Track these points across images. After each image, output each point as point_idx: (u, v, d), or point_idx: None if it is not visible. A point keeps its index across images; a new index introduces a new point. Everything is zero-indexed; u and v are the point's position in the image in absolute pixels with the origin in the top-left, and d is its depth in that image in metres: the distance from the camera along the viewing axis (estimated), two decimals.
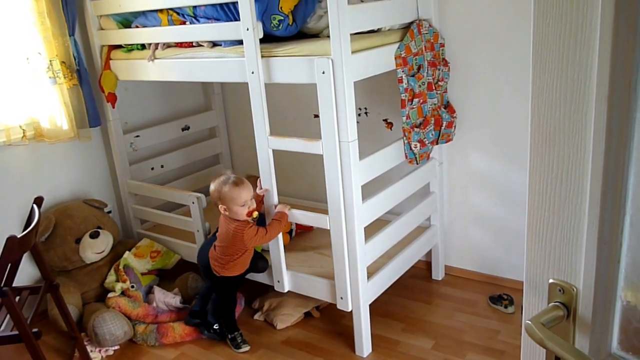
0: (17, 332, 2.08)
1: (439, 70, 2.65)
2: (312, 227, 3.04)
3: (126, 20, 2.89)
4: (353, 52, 2.14)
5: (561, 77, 0.70)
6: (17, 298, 2.25)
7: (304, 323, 2.80)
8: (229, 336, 2.66)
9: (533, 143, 0.75)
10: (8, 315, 2.13)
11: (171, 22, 2.63)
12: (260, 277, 2.75)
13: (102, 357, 2.66)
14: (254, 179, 2.60)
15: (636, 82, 0.67)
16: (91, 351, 2.65)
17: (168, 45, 2.71)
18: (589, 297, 0.74)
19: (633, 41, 0.65)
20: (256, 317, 2.87)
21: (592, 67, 0.67)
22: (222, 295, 2.67)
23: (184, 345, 2.72)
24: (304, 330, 2.75)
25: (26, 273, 2.90)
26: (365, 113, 3.13)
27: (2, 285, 2.09)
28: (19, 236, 2.06)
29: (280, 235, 2.53)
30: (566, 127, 0.71)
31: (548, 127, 0.73)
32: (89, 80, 3.02)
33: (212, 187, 2.47)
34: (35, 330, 2.12)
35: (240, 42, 2.34)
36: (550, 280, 0.77)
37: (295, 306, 2.81)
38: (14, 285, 2.34)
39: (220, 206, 2.44)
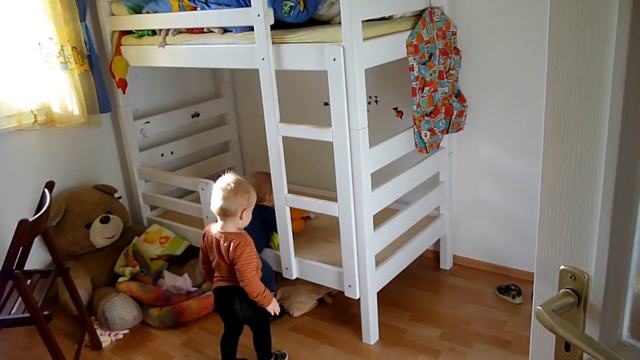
0: (28, 315, 2.11)
1: (450, 58, 2.64)
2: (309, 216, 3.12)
3: (137, 6, 2.89)
4: (364, 39, 2.13)
5: (577, 63, 0.69)
6: (29, 281, 2.27)
7: (312, 310, 2.81)
8: None
9: (547, 130, 0.74)
10: (19, 298, 2.16)
11: (182, 8, 2.63)
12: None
13: (111, 340, 2.69)
14: (267, 176, 2.60)
15: None
16: (101, 335, 2.68)
17: (179, 31, 2.71)
18: (600, 284, 0.74)
19: None
20: None
21: (609, 53, 0.66)
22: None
23: (192, 329, 2.74)
24: (311, 317, 2.76)
25: (37, 257, 2.93)
26: (376, 101, 3.12)
27: (13, 268, 2.12)
28: (30, 220, 2.08)
29: (289, 222, 2.53)
30: (581, 113, 0.70)
31: (563, 114, 0.72)
32: (100, 66, 3.03)
33: (243, 193, 2.17)
34: (46, 313, 2.14)
35: (251, 29, 2.33)
36: (562, 267, 0.77)
37: (310, 293, 2.83)
38: (25, 268, 2.37)
39: (244, 212, 2.18)
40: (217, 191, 2.17)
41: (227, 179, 2.19)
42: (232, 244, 2.15)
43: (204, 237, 2.28)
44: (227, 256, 2.17)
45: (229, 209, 2.14)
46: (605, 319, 0.75)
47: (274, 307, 2.22)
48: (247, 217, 2.20)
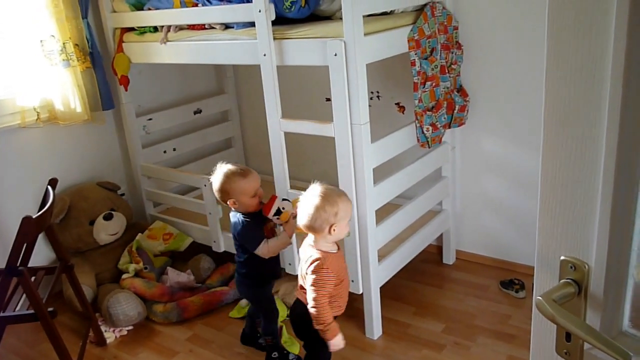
0: (33, 311, 2.12)
1: (452, 53, 2.63)
2: None
3: (139, 3, 2.89)
4: (366, 34, 2.13)
5: (576, 52, 0.69)
6: (33, 278, 2.28)
7: None
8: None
9: (547, 120, 0.74)
10: (24, 295, 2.17)
11: (183, 4, 2.63)
12: None
13: (116, 336, 2.71)
14: (234, 174, 2.24)
15: None
16: (105, 331, 2.70)
17: (180, 28, 2.71)
18: (601, 274, 0.74)
19: None
20: None
21: (608, 42, 0.66)
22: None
23: (197, 325, 2.75)
24: None
25: (42, 254, 2.94)
26: (378, 97, 3.11)
27: (18, 265, 2.13)
28: (34, 217, 2.09)
29: None
30: (581, 103, 0.70)
31: (562, 104, 0.72)
32: (102, 63, 3.04)
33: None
34: (50, 309, 2.15)
35: (253, 24, 2.33)
36: (562, 257, 0.77)
37: None
38: (29, 265, 2.38)
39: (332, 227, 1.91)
40: (303, 205, 1.95)
41: (314, 191, 1.93)
42: (310, 259, 1.95)
43: None
44: (306, 269, 1.99)
45: (313, 226, 1.91)
46: (606, 308, 0.75)
47: (336, 343, 1.97)
48: (340, 231, 1.93)
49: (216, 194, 2.25)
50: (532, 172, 2.75)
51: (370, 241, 2.35)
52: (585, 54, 0.68)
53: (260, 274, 2.31)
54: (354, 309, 2.73)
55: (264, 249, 2.19)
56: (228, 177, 2.19)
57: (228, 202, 2.21)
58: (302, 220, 1.94)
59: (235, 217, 2.24)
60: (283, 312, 2.62)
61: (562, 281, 0.77)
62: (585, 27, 0.67)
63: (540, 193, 0.78)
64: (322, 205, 1.88)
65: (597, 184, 0.72)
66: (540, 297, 0.73)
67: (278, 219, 2.19)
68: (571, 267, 0.76)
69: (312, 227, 1.91)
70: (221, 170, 2.23)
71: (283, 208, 2.18)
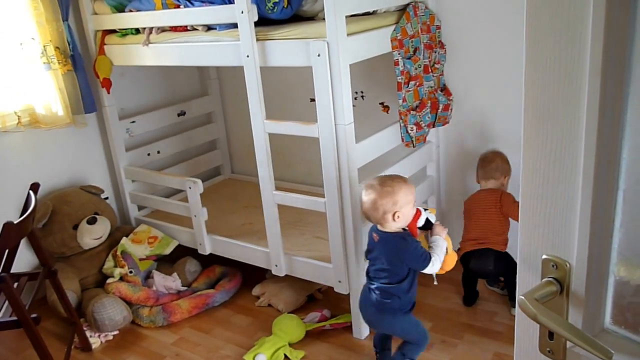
0: (16, 318, 2.09)
1: (435, 52, 2.64)
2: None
3: (120, 5, 2.87)
4: (349, 34, 2.14)
5: (554, 52, 0.69)
6: (16, 284, 2.25)
7: (302, 306, 2.80)
8: None
9: (526, 119, 0.74)
10: (7, 302, 2.14)
11: (165, 6, 2.61)
12: (258, 261, 2.76)
13: (101, 342, 2.68)
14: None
15: (630, 56, 0.66)
16: (90, 336, 2.67)
17: (162, 30, 2.70)
18: (582, 272, 0.74)
19: (626, 15, 0.64)
20: (258, 303, 2.89)
21: (586, 41, 0.67)
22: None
23: (183, 329, 2.74)
24: (301, 313, 2.76)
25: (25, 260, 2.90)
26: (362, 97, 3.12)
27: (0, 271, 2.10)
28: (15, 222, 2.06)
29: (276, 220, 2.52)
30: (559, 102, 0.70)
31: (541, 104, 0.72)
32: (84, 66, 3.01)
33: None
34: (34, 315, 2.13)
35: (235, 26, 2.32)
36: (544, 256, 0.77)
37: (300, 289, 2.82)
38: (12, 271, 2.35)
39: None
40: (480, 160, 2.68)
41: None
42: (499, 197, 2.56)
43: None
44: (499, 210, 2.55)
45: (493, 176, 2.62)
46: (587, 306, 0.76)
47: None
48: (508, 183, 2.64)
49: (377, 211, 1.96)
50: (516, 170, 2.76)
51: (357, 241, 2.35)
52: (563, 54, 0.69)
53: (410, 297, 2.09)
54: (341, 309, 2.74)
55: (437, 263, 1.99)
56: (393, 186, 1.94)
57: (394, 217, 1.95)
58: (480, 170, 2.68)
59: (389, 237, 1.98)
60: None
61: (544, 280, 0.77)
62: (563, 27, 0.68)
63: (521, 192, 0.78)
64: (502, 158, 2.67)
65: (577, 183, 0.72)
66: (522, 297, 0.73)
67: (424, 231, 2.09)
68: (553, 266, 0.76)
69: (492, 174, 2.65)
70: (379, 182, 1.98)
71: (426, 210, 2.11)
